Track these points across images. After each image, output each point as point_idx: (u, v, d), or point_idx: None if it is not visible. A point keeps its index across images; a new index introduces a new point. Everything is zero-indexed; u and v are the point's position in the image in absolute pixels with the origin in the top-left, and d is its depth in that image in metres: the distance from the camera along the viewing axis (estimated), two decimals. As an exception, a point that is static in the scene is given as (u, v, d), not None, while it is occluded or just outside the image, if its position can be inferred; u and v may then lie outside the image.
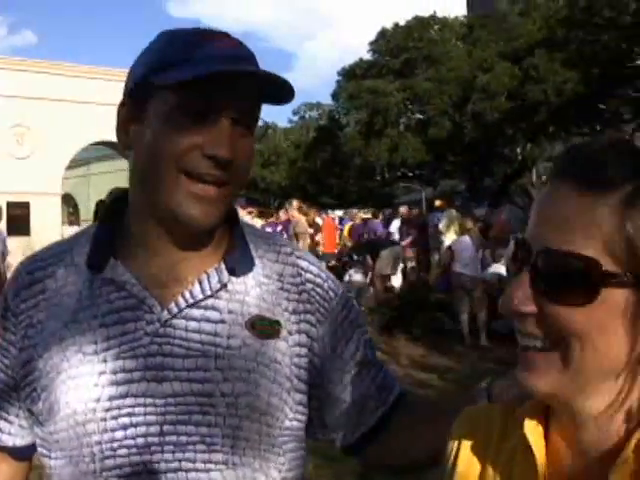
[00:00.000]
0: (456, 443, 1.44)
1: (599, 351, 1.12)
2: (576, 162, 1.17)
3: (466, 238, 14.66)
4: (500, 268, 15.38)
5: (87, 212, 40.43)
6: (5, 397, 1.84)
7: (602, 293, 1.09)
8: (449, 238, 17.98)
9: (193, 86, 1.59)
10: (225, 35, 1.71)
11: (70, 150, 35.23)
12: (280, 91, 1.68)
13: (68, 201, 44.36)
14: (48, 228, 30.41)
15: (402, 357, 12.60)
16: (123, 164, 38.89)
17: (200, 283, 1.73)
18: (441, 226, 19.06)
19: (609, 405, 1.16)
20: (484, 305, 14.07)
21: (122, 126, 1.75)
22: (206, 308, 1.72)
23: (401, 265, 19.53)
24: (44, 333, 1.74)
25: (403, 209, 24.17)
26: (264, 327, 1.75)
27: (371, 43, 48.31)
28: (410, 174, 48.88)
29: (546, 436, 1.27)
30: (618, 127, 37.44)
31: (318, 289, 1.86)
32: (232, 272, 1.76)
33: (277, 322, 1.77)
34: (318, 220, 22.09)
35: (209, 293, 1.73)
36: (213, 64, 1.60)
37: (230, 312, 1.73)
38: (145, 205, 1.73)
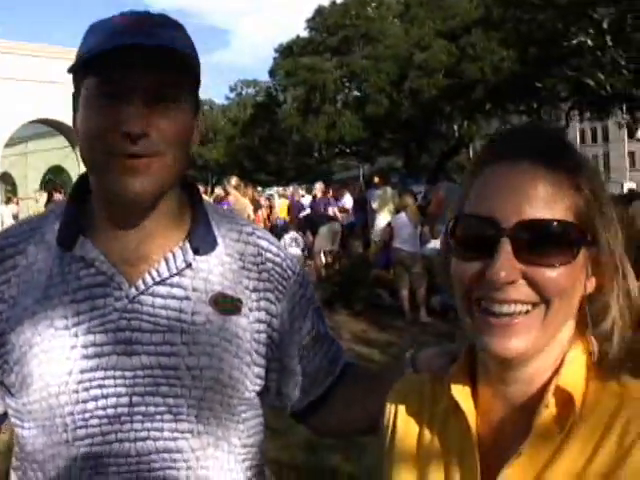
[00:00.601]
0: (392, 411, 1.56)
1: (570, 304, 1.27)
2: (529, 143, 1.31)
3: (405, 214, 14.77)
4: (438, 244, 15.53)
5: (25, 190, 39.86)
6: None
7: (579, 253, 1.25)
8: (383, 217, 18.11)
9: (102, 71, 1.66)
10: (134, 15, 1.76)
11: (8, 128, 34.75)
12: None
13: (6, 179, 43.78)
14: (-15, 207, 30.00)
15: (344, 332, 12.66)
16: (61, 142, 38.47)
17: (166, 262, 1.80)
18: (374, 205, 19.14)
19: (553, 355, 1.30)
20: (424, 281, 14.21)
21: (74, 114, 1.82)
22: (172, 285, 1.79)
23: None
24: (16, 308, 1.79)
25: (319, 185, 24.26)
26: (226, 304, 1.83)
27: (308, 20, 48.38)
28: (347, 151, 49.07)
29: (474, 396, 1.39)
30: (554, 105, 37.95)
31: (277, 268, 1.94)
32: (196, 251, 1.83)
33: (239, 299, 1.85)
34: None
35: (175, 271, 1.80)
36: (107, 43, 1.65)
37: (194, 289, 1.81)
38: (95, 185, 1.82)
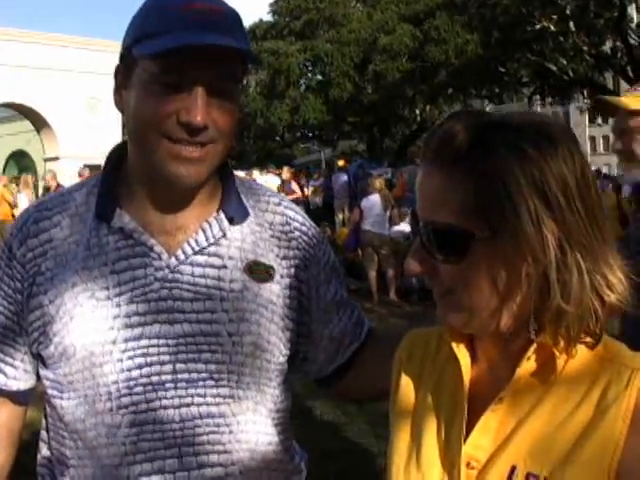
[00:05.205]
0: (399, 362, 1.64)
1: (481, 292, 1.33)
2: (433, 139, 1.36)
3: (375, 197, 14.83)
4: (405, 227, 15.62)
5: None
6: (11, 343, 1.92)
7: (469, 250, 1.30)
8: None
9: (167, 56, 1.67)
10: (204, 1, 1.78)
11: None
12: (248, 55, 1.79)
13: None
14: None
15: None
16: (24, 126, 38.03)
17: (204, 231, 1.85)
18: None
19: (503, 327, 1.36)
20: (392, 262, 14.29)
21: (117, 90, 1.85)
22: (209, 255, 1.85)
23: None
24: (54, 280, 1.82)
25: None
26: (260, 271, 1.89)
27: (271, 4, 48.09)
28: (310, 135, 48.93)
29: (471, 348, 1.48)
30: (516, 89, 38.10)
31: (304, 237, 2.00)
32: (231, 221, 1.88)
33: (271, 267, 1.91)
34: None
35: (212, 241, 1.85)
36: (180, 37, 1.67)
37: (230, 258, 1.86)
38: (139, 163, 1.84)
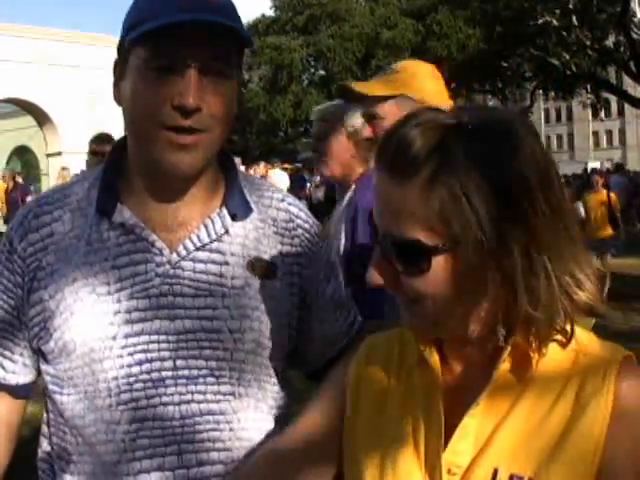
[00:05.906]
0: (357, 367, 1.59)
1: (446, 302, 1.32)
2: (387, 149, 1.32)
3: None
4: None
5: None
6: (11, 337, 1.90)
7: (431, 263, 1.28)
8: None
9: (158, 40, 1.66)
10: None
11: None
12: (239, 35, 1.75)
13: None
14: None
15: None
16: (27, 122, 38.05)
17: (206, 227, 1.82)
18: None
19: (470, 333, 1.36)
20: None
21: (115, 84, 1.83)
22: (211, 251, 1.82)
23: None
24: (55, 275, 1.80)
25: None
26: (262, 268, 1.87)
27: (274, -1, 48.09)
28: (313, 130, 48.92)
29: (441, 352, 1.45)
30: (519, 84, 38.10)
31: (307, 234, 1.98)
32: (233, 217, 1.86)
33: (274, 264, 1.89)
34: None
35: (214, 237, 1.83)
36: (168, 17, 1.65)
37: (232, 254, 1.84)
38: (137, 156, 1.83)
